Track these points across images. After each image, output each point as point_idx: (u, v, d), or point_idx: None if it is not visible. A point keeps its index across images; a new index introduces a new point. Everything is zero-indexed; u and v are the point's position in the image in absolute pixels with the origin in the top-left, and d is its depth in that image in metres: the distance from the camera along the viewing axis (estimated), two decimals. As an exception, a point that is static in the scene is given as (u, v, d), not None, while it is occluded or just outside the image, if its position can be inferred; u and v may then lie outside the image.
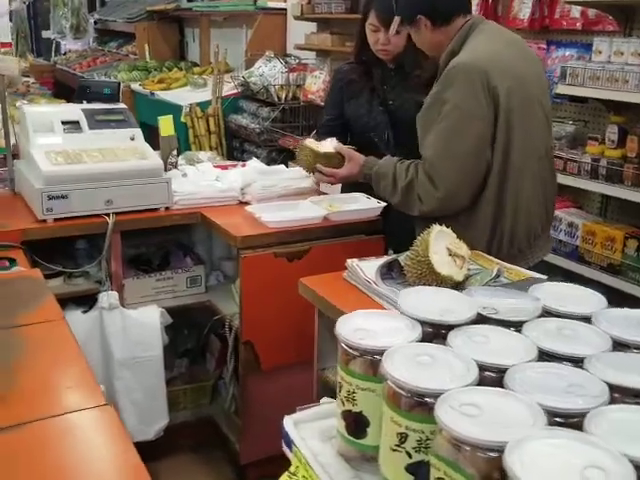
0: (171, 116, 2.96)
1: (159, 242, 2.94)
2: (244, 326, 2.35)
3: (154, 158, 2.57)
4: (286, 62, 5.24)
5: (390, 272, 1.85)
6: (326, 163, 2.36)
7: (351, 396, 0.78)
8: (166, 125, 2.92)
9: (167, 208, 2.56)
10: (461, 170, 2.00)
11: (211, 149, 5.33)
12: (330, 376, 1.91)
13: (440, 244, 1.69)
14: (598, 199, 3.03)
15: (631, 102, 2.51)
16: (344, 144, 2.80)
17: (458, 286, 1.68)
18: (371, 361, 0.77)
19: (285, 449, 0.85)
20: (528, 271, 1.83)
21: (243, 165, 3.08)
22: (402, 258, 1.80)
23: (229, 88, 5.59)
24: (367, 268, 1.85)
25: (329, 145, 2.38)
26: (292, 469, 0.81)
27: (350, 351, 0.78)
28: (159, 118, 2.92)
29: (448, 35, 2.08)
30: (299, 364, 2.49)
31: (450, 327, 0.81)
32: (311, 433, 0.85)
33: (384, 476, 0.71)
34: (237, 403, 2.62)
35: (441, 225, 1.93)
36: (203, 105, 5.48)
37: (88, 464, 1.10)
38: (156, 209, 2.54)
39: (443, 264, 1.66)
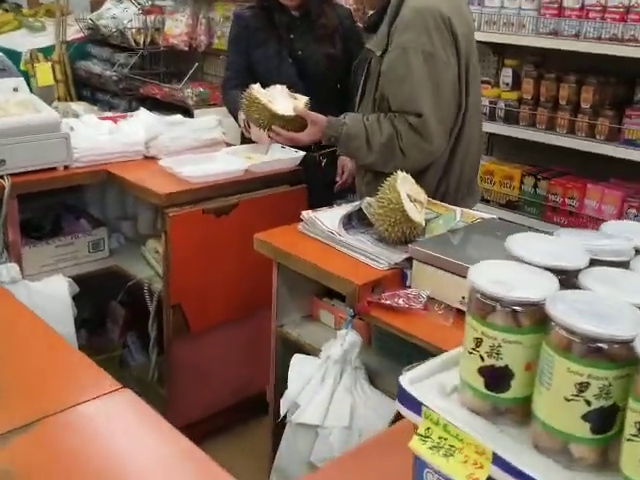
0: (49, 64, 2.64)
1: (45, 205, 2.65)
2: (172, 289, 2.22)
3: (49, 111, 2.29)
4: (139, 3, 4.87)
5: (350, 222, 1.82)
6: (284, 125, 2.12)
7: (495, 350, 0.76)
8: (43, 73, 2.63)
9: (66, 167, 2.31)
10: (445, 120, 1.98)
11: (59, 99, 4.86)
12: (290, 332, 1.88)
13: (403, 191, 1.70)
14: (484, 139, 3.20)
15: (530, 46, 2.64)
16: None
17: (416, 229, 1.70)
18: (514, 312, 0.75)
19: (404, 411, 0.81)
20: (477, 212, 1.90)
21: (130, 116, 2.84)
22: (365, 206, 1.78)
23: (73, 32, 5.09)
24: (325, 219, 1.81)
25: (283, 101, 2.16)
26: (421, 431, 0.78)
27: (490, 303, 0.76)
28: (35, 66, 2.60)
29: None
30: (227, 323, 2.41)
31: (576, 272, 0.81)
32: (429, 390, 0.82)
33: (553, 427, 0.71)
34: (159, 371, 2.49)
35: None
36: (46, 51, 4.95)
37: (139, 454, 0.99)
38: (54, 168, 2.28)
39: (412, 210, 1.67)
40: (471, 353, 0.79)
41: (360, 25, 2.87)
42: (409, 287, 1.63)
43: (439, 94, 1.94)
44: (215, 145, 2.61)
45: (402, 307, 1.53)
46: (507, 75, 2.83)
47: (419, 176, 1.91)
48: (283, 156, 2.45)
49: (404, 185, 1.72)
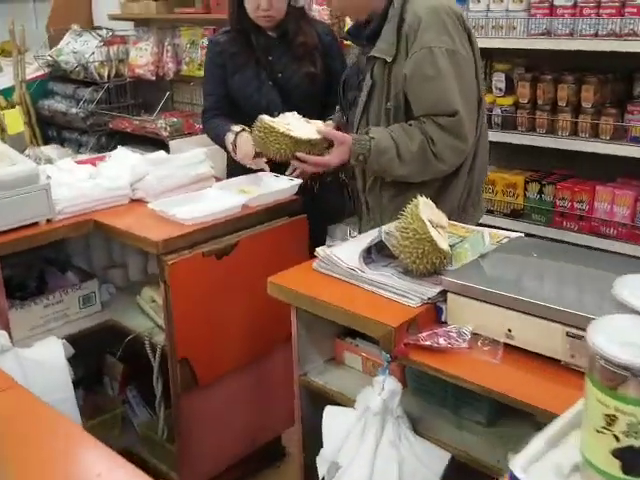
0: (17, 108, 2.49)
1: (26, 261, 2.49)
2: (178, 342, 2.07)
3: (24, 162, 2.14)
4: (99, 35, 4.71)
5: (369, 255, 1.70)
6: (309, 151, 1.97)
7: (635, 429, 0.64)
8: (13, 119, 2.48)
9: (49, 220, 2.16)
10: (472, 117, 1.93)
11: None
12: (315, 380, 1.74)
13: (426, 218, 1.58)
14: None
15: (521, 48, 2.56)
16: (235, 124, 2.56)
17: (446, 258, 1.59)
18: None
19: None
20: (502, 231, 1.79)
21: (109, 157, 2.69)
22: (386, 238, 1.66)
23: (32, 70, 4.91)
24: (343, 255, 1.68)
25: (300, 125, 2.03)
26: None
27: (622, 372, 0.64)
28: (2, 113, 2.44)
29: None
30: (234, 372, 2.27)
31: None
32: (546, 474, 0.70)
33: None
34: (168, 428, 2.33)
35: (413, 190, 1.85)
36: (5, 93, 4.76)
37: None
38: (35, 223, 2.13)
39: (439, 239, 1.56)
40: (600, 432, 0.67)
41: (342, 39, 2.77)
42: (445, 323, 1.51)
43: (465, 90, 1.88)
44: (204, 181, 2.47)
45: (444, 347, 1.41)
46: (499, 80, 2.75)
47: (446, 188, 1.83)
48: (279, 186, 2.33)
49: (425, 211, 1.60)
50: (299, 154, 1.96)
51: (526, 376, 1.35)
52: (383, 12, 1.94)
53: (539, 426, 1.46)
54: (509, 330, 1.41)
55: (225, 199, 2.24)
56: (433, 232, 1.54)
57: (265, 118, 2.00)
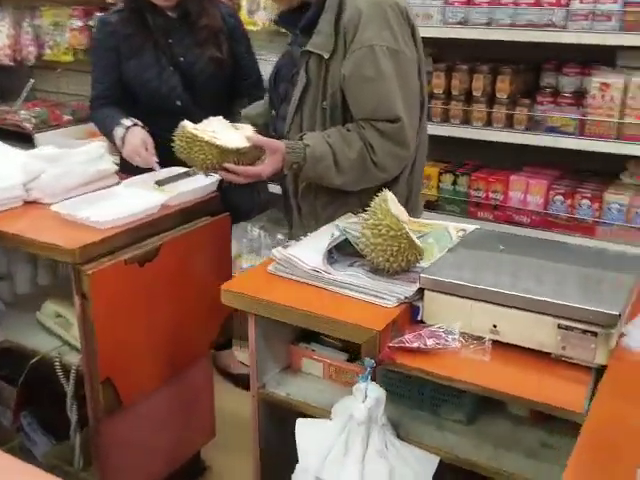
0: None
1: None
2: (101, 361, 1.87)
3: None
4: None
5: (331, 255, 1.63)
6: (238, 160, 1.82)
7: None
8: None
9: None
10: (414, 121, 1.86)
11: None
12: (275, 392, 1.64)
13: (397, 214, 1.54)
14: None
15: (438, 37, 2.59)
16: (127, 116, 2.37)
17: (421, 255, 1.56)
18: None
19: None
20: (460, 224, 1.79)
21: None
22: (356, 235, 1.60)
23: None
24: (303, 256, 1.59)
25: (227, 132, 1.86)
26: None
27: None
28: None
29: None
30: (158, 388, 2.11)
31: None
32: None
33: None
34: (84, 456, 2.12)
35: (350, 197, 1.79)
36: None
37: None
38: None
39: (413, 235, 1.52)
40: None
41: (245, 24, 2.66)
42: (421, 322, 1.47)
43: (407, 94, 1.82)
44: (106, 178, 2.26)
45: (433, 348, 1.37)
46: (411, 70, 2.76)
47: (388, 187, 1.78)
48: (201, 183, 2.18)
49: (392, 206, 1.55)
50: (227, 165, 1.81)
51: (520, 372, 1.34)
52: (320, 1, 1.84)
53: (516, 419, 1.49)
54: (494, 326, 1.40)
55: (141, 198, 2.06)
56: (407, 228, 1.50)
57: (188, 125, 1.82)
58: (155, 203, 2.03)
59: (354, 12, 1.77)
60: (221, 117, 1.94)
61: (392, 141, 1.80)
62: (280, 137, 2.01)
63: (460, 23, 2.54)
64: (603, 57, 2.57)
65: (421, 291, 1.48)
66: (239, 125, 1.92)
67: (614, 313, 1.28)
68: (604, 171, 2.64)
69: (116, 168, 2.31)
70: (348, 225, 1.69)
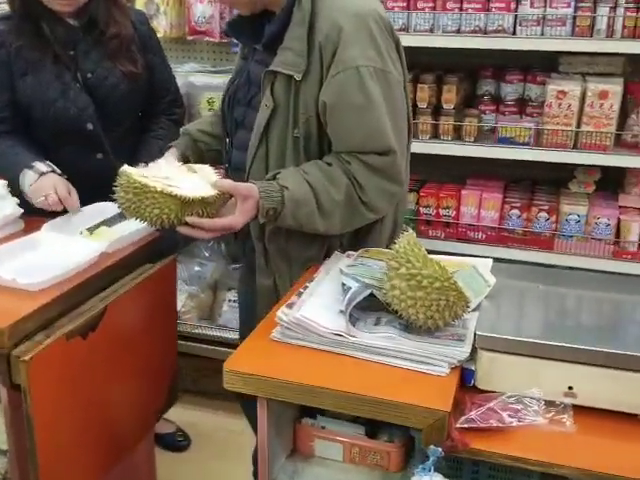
0: None
1: None
2: (42, 466, 1.43)
3: None
4: None
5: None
6: (203, 211, 1.45)
7: None
8: None
9: None
10: (405, 151, 1.56)
11: None
12: (288, 484, 1.31)
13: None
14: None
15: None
16: (37, 155, 1.92)
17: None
18: None
19: None
20: (458, 257, 1.55)
21: None
22: (378, 285, 1.30)
23: None
24: (316, 315, 1.28)
25: (183, 178, 1.47)
26: None
27: None
28: None
29: None
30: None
31: None
32: None
33: None
34: None
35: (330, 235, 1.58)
36: None
37: None
38: None
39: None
40: None
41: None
42: (474, 388, 1.21)
43: (397, 121, 1.54)
44: (12, 224, 1.81)
45: (513, 425, 1.11)
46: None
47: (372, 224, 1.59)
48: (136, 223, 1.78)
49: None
50: (191, 219, 1.44)
51: (613, 442, 1.12)
52: (286, 10, 1.52)
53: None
54: (570, 388, 1.17)
55: (72, 248, 1.64)
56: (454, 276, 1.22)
57: (132, 173, 1.43)
58: (92, 254, 1.62)
59: (332, 27, 1.47)
60: (172, 158, 1.57)
61: (383, 176, 1.52)
62: (235, 170, 1.67)
63: (401, 30, 2.30)
64: (543, 63, 2.45)
65: (474, 351, 1.21)
66: (195, 166, 1.55)
67: None
68: (552, 180, 2.52)
69: (21, 211, 1.85)
70: (357, 272, 1.39)
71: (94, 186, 1.79)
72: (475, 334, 1.21)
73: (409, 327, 1.27)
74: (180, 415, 2.54)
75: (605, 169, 2.33)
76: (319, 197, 1.49)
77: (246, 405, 1.94)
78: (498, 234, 2.43)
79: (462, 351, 1.21)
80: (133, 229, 1.74)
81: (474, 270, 1.40)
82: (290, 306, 1.32)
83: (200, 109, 2.78)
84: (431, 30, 2.31)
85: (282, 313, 1.29)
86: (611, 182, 2.42)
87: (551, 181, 2.54)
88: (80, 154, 2.01)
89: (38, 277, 1.47)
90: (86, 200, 1.88)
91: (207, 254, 3.09)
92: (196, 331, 2.86)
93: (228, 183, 1.48)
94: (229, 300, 2.93)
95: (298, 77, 1.49)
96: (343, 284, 1.36)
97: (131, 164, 1.80)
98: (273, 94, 1.53)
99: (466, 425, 1.12)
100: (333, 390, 1.16)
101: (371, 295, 1.30)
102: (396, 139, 1.51)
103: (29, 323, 1.40)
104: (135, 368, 1.72)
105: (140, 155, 2.02)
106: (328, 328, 1.26)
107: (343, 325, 1.26)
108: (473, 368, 1.21)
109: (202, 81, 2.80)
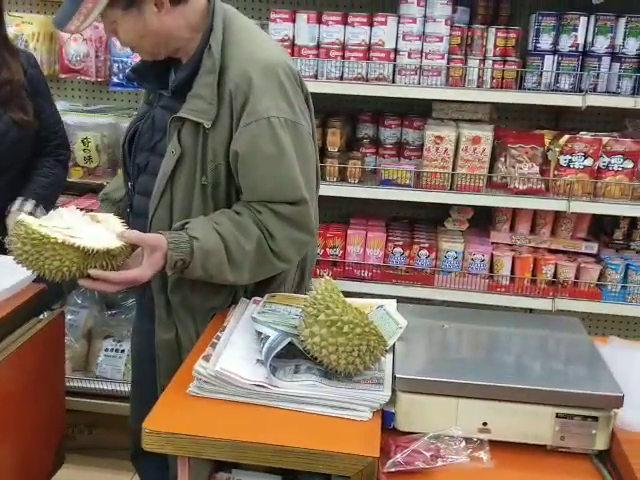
0: None
1: None
2: None
3: None
4: None
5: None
6: (107, 263, 1.38)
7: None
8: None
9: None
10: (314, 200, 1.55)
11: None
12: None
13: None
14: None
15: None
16: None
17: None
18: None
19: None
20: (372, 300, 1.58)
21: None
22: (295, 333, 1.29)
23: None
24: (234, 367, 1.26)
25: (84, 227, 1.38)
26: None
27: None
28: None
29: (188, 18, 1.50)
30: None
31: None
32: None
33: None
34: None
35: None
36: None
37: None
38: None
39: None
40: None
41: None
42: (394, 430, 1.23)
43: (308, 170, 1.56)
44: None
45: (438, 465, 1.14)
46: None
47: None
48: (14, 276, 1.66)
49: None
50: (94, 272, 1.37)
51: (524, 472, 1.18)
52: (195, 56, 1.51)
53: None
54: (484, 424, 1.22)
55: None
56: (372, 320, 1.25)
57: (31, 223, 1.33)
58: None
59: (242, 78, 1.47)
60: (73, 207, 1.48)
61: (294, 226, 1.52)
62: (137, 215, 1.62)
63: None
64: (419, 109, 2.60)
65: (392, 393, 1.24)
66: (100, 215, 1.48)
67: (619, 395, 1.19)
68: (429, 219, 2.66)
69: None
70: (270, 320, 1.38)
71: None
72: (394, 377, 1.23)
73: (328, 373, 1.28)
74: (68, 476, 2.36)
75: (477, 207, 2.50)
76: (229, 247, 1.47)
77: (142, 464, 1.84)
78: (383, 272, 2.51)
79: (383, 395, 1.22)
80: (11, 284, 1.62)
81: (384, 312, 1.43)
82: (207, 358, 1.28)
83: (75, 149, 2.66)
84: (315, 76, 2.38)
85: (200, 367, 1.25)
86: (482, 220, 2.59)
87: (428, 219, 2.68)
88: None
89: None
90: None
91: (79, 300, 2.93)
92: (70, 384, 2.68)
93: (135, 234, 1.42)
94: (106, 349, 2.79)
95: (208, 125, 1.48)
96: (259, 333, 1.35)
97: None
98: (180, 141, 1.51)
99: (393, 469, 1.13)
100: (259, 444, 1.13)
101: (288, 343, 1.29)
102: (307, 188, 1.53)
103: None
104: (24, 429, 1.58)
105: (21, 191, 1.94)
106: (249, 379, 1.23)
107: (263, 375, 1.24)
108: (392, 410, 1.23)
109: (76, 120, 2.69)
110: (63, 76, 2.72)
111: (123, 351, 2.72)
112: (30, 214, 1.82)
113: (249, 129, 1.46)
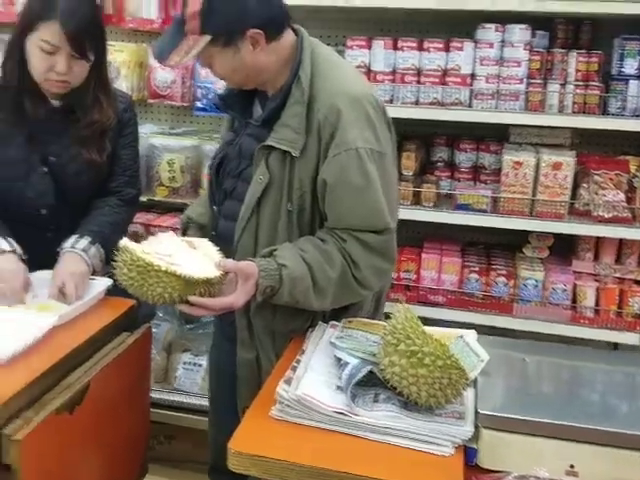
0: None
1: None
2: None
3: None
4: None
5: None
6: (206, 290, 1.41)
7: None
8: None
9: None
10: (396, 229, 1.54)
11: None
12: None
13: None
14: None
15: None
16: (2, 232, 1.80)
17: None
18: None
19: None
20: (452, 330, 1.53)
21: None
22: (374, 361, 1.27)
23: None
24: (316, 392, 1.24)
25: (183, 255, 1.42)
26: None
27: None
28: None
29: (278, 53, 1.52)
30: None
31: None
32: None
33: None
34: None
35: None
36: None
37: None
38: None
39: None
40: None
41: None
42: (477, 467, 1.19)
43: (391, 200, 1.55)
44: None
45: (523, 507, 1.09)
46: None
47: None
48: (91, 289, 1.75)
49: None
50: (194, 299, 1.40)
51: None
52: (285, 88, 1.53)
53: None
54: (571, 466, 1.16)
55: (22, 321, 1.52)
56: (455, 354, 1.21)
57: (135, 249, 1.37)
58: (47, 323, 1.52)
59: (331, 110, 1.48)
60: (171, 232, 1.51)
61: (378, 254, 1.52)
62: (222, 239, 1.63)
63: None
64: (495, 133, 2.53)
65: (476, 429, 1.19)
66: (195, 241, 1.51)
67: None
68: (506, 245, 2.58)
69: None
70: (349, 346, 1.36)
71: (40, 259, 1.75)
72: (477, 412, 1.19)
73: (408, 404, 1.25)
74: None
75: (558, 234, 2.40)
76: (315, 275, 1.47)
77: (220, 478, 1.85)
78: (458, 298, 2.45)
79: (465, 430, 1.19)
80: (80, 302, 1.69)
81: (465, 344, 1.38)
82: (288, 382, 1.28)
83: (160, 170, 2.73)
84: (391, 101, 2.36)
85: (282, 390, 1.24)
86: (563, 247, 2.49)
87: (505, 245, 2.59)
88: (29, 231, 1.85)
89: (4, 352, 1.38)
90: (30, 270, 1.77)
91: (160, 314, 2.98)
92: (150, 395, 2.73)
93: (231, 264, 1.45)
94: (184, 362, 2.82)
95: (296, 154, 1.49)
96: (339, 359, 1.33)
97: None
98: (268, 168, 1.52)
99: (477, 508, 1.09)
100: (342, 473, 1.12)
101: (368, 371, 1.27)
102: (391, 217, 1.53)
103: (19, 400, 1.31)
104: (115, 440, 1.62)
105: (80, 228, 1.89)
106: (330, 406, 1.22)
107: (343, 402, 1.23)
108: (475, 447, 1.19)
109: (162, 143, 2.76)
110: (151, 101, 2.79)
111: (200, 365, 2.76)
112: (84, 251, 1.80)
113: (337, 159, 1.47)
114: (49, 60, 1.73)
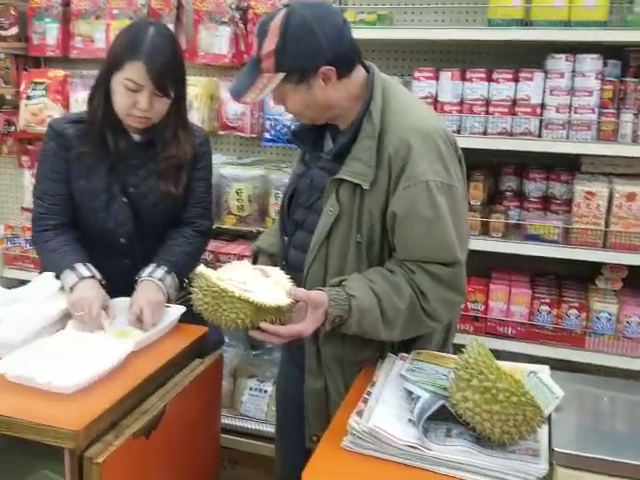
0: None
1: None
2: None
3: None
4: None
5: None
6: (277, 318, 1.46)
7: None
8: None
9: None
10: (466, 261, 1.56)
11: None
12: None
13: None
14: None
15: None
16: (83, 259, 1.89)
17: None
18: None
19: None
20: (528, 365, 1.51)
21: None
22: (445, 395, 1.27)
23: None
24: (388, 426, 1.24)
25: (256, 282, 1.48)
26: None
27: None
28: None
29: (349, 89, 1.56)
30: None
31: None
32: None
33: None
34: None
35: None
36: None
37: None
38: None
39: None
40: None
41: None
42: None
43: (461, 232, 1.55)
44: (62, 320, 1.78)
45: None
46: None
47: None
48: (166, 316, 1.81)
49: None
50: (265, 325, 1.44)
51: None
52: (356, 122, 1.56)
53: None
54: (651, 507, 1.13)
55: (100, 347, 1.59)
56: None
57: (211, 275, 1.43)
58: (124, 350, 1.57)
59: (401, 144, 1.51)
60: (246, 261, 1.56)
61: (447, 287, 1.52)
62: (292, 268, 1.65)
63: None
64: (565, 163, 2.50)
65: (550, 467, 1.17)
66: (268, 270, 1.56)
67: None
68: (576, 276, 2.52)
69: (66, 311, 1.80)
70: (420, 379, 1.36)
71: (117, 286, 1.82)
72: (552, 450, 1.17)
73: (481, 440, 1.24)
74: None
75: (632, 266, 2.34)
76: (383, 306, 1.49)
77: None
78: (528, 330, 2.41)
79: (539, 468, 1.17)
80: (163, 326, 1.75)
81: (538, 380, 1.36)
82: (360, 414, 1.29)
83: (229, 199, 2.80)
84: (458, 131, 2.37)
85: (354, 422, 1.25)
86: (637, 279, 2.42)
87: (575, 276, 2.54)
88: (108, 259, 1.94)
89: (71, 380, 1.43)
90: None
91: (227, 339, 3.03)
92: (220, 420, 2.78)
93: (302, 293, 1.48)
94: (250, 388, 2.86)
95: (366, 186, 1.52)
96: (410, 392, 1.33)
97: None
98: (339, 200, 1.55)
99: None
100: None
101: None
102: (460, 250, 1.53)
103: (99, 424, 1.36)
104: (188, 465, 1.66)
105: (157, 258, 1.96)
106: (402, 439, 1.22)
107: (415, 436, 1.23)
108: (548, 485, 1.17)
109: (231, 172, 2.83)
110: (221, 132, 2.88)
111: (266, 391, 2.78)
112: (160, 280, 1.87)
113: (408, 192, 1.49)
114: (132, 97, 1.82)
